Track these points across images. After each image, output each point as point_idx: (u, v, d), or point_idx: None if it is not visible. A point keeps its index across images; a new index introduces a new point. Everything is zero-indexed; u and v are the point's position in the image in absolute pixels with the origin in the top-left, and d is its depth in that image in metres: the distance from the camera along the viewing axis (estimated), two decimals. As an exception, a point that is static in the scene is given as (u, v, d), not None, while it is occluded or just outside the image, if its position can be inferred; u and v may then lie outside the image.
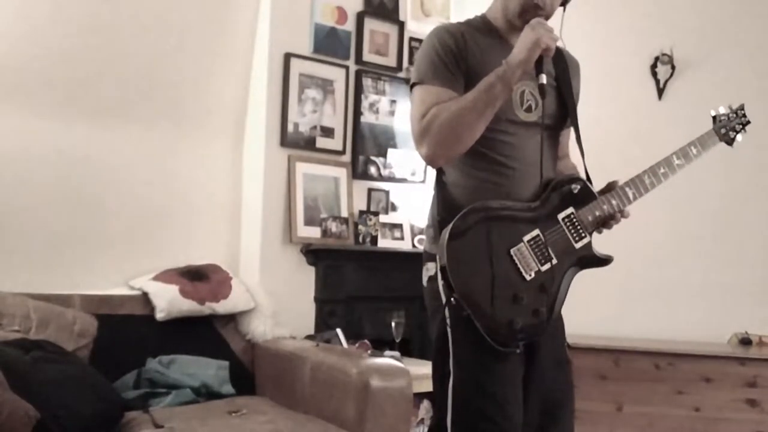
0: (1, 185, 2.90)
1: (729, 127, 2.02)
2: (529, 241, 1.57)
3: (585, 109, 4.29)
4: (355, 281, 3.55)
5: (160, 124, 3.30)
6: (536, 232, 1.58)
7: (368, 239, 3.59)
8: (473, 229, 1.53)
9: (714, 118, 2.03)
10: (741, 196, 3.96)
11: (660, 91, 4.06)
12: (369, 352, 3.10)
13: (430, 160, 1.60)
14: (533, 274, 1.55)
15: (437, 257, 1.55)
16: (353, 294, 3.55)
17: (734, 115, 2.05)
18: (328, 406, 2.63)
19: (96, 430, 2.28)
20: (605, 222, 1.71)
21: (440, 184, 1.66)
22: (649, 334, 3.93)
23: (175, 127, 3.35)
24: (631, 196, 1.71)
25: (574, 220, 1.64)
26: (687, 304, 3.92)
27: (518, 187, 1.62)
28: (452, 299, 1.49)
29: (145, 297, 3.02)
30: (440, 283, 1.55)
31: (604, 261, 1.71)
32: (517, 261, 1.54)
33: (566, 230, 1.63)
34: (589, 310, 3.97)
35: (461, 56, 1.62)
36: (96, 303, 2.89)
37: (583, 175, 1.73)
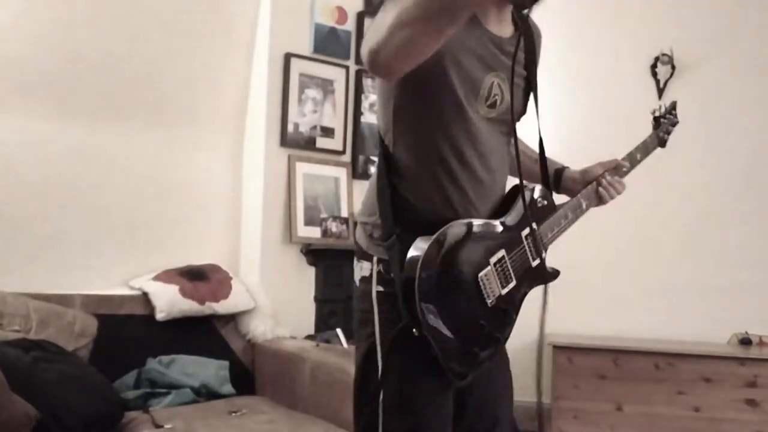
0: (1, 185, 2.90)
1: (664, 129, 1.95)
2: (495, 264, 1.43)
3: (585, 109, 4.31)
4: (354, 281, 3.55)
5: (160, 124, 3.30)
6: (502, 252, 1.45)
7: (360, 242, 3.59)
8: (445, 258, 1.36)
9: (655, 119, 1.94)
10: (741, 196, 3.97)
11: (660, 91, 4.06)
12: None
13: (371, 61, 1.24)
14: (494, 300, 1.43)
15: (375, 262, 1.44)
16: (353, 294, 3.55)
17: (670, 116, 1.96)
18: (328, 406, 2.63)
19: (96, 430, 2.28)
20: (600, 200, 1.66)
21: (389, 177, 1.44)
22: (649, 334, 3.93)
23: (175, 127, 3.35)
24: (584, 207, 1.64)
25: (535, 236, 1.51)
26: (687, 304, 3.92)
27: (482, 196, 1.46)
28: (414, 331, 1.35)
29: (145, 297, 3.02)
30: (375, 289, 1.45)
31: (553, 277, 1.57)
32: (482, 286, 1.41)
33: (527, 248, 1.50)
34: (589, 310, 3.98)
35: None
36: (96, 303, 2.89)
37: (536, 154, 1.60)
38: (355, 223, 3.52)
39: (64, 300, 2.81)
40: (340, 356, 2.75)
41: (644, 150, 1.85)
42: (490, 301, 1.42)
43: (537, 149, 1.61)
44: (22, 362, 2.25)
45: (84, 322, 2.76)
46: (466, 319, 1.39)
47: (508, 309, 1.46)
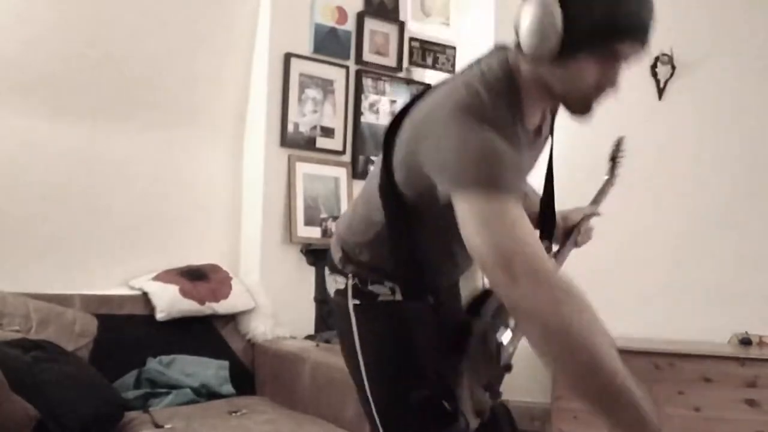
0: (1, 185, 2.90)
1: (616, 166, 1.99)
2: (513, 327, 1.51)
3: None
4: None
5: (160, 123, 3.30)
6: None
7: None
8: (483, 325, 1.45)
9: (613, 159, 1.97)
10: (741, 196, 3.96)
11: (660, 91, 4.06)
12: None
13: (519, 305, 1.12)
14: (508, 360, 1.52)
15: (350, 277, 1.47)
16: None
17: (620, 152, 2.01)
18: (328, 406, 2.63)
19: (96, 430, 2.28)
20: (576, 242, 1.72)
21: (411, 231, 1.38)
22: (649, 334, 3.93)
23: (175, 127, 3.35)
24: (568, 252, 1.72)
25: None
26: (687, 304, 3.92)
27: (458, 273, 1.56)
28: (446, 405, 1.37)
29: (145, 297, 3.02)
30: (351, 302, 1.46)
31: None
32: (501, 350, 1.50)
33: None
34: (589, 310, 3.98)
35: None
36: (96, 303, 2.89)
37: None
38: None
39: (64, 300, 2.80)
40: (340, 356, 2.75)
41: (605, 191, 1.92)
42: (504, 361, 1.46)
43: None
44: (22, 362, 2.25)
45: (84, 322, 2.76)
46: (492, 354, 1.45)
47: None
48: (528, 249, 1.12)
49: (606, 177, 1.96)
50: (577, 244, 1.74)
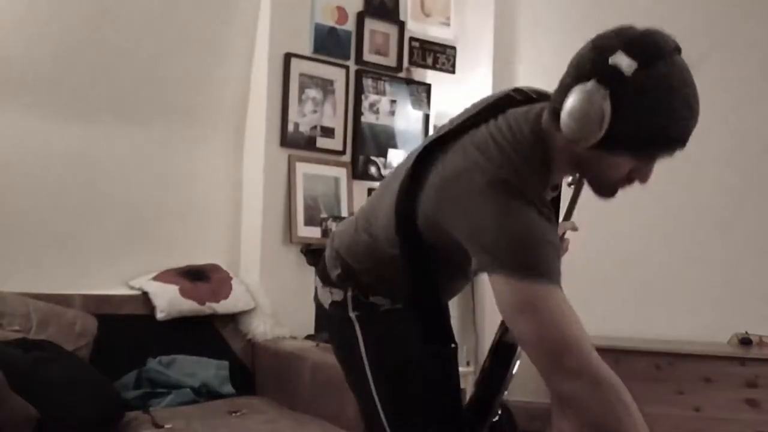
0: (1, 185, 2.90)
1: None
2: None
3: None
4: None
5: (160, 123, 3.30)
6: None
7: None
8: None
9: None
10: (742, 195, 3.96)
11: (660, 91, 4.06)
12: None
13: (571, 398, 1.16)
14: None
15: (350, 289, 1.46)
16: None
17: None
18: (328, 406, 2.63)
19: (96, 430, 2.28)
20: None
21: (427, 262, 1.36)
22: (649, 334, 3.93)
23: (175, 127, 3.35)
24: None
25: None
26: (687, 304, 3.92)
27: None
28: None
29: (145, 297, 3.02)
30: (353, 314, 1.44)
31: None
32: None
33: None
34: (589, 310, 3.97)
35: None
36: (96, 303, 2.89)
37: None
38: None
39: (64, 300, 2.81)
40: (340, 356, 2.75)
41: (575, 202, 1.84)
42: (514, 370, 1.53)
43: None
44: (22, 362, 2.25)
45: (84, 322, 2.75)
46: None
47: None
48: (580, 345, 1.14)
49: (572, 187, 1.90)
50: None
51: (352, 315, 1.44)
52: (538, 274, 1.14)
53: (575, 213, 1.78)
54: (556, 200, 1.45)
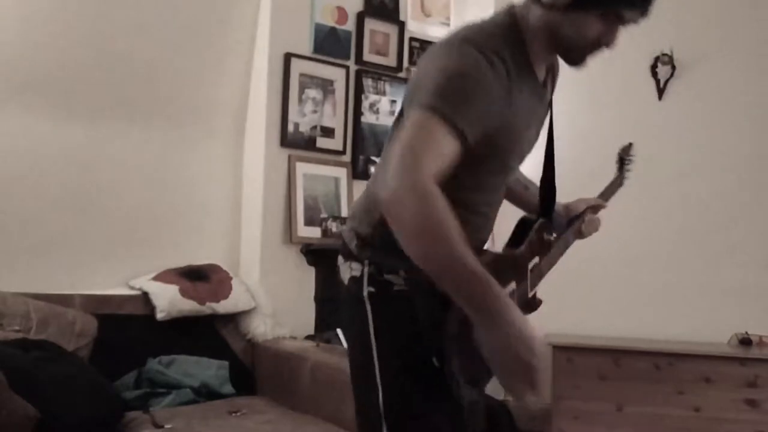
0: (1, 185, 2.90)
1: (625, 170, 2.01)
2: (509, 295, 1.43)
3: (585, 109, 4.30)
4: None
5: (160, 124, 3.30)
6: (513, 285, 1.45)
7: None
8: None
9: (621, 158, 1.99)
10: (741, 195, 3.96)
11: (660, 91, 4.06)
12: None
13: (384, 206, 1.21)
14: None
15: (367, 263, 1.44)
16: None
17: (629, 157, 2.03)
18: (328, 406, 2.63)
19: (96, 430, 2.28)
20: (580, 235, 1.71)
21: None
22: (649, 334, 3.93)
23: (176, 127, 3.35)
24: (571, 243, 1.70)
25: (536, 269, 1.54)
26: (687, 304, 3.92)
27: (483, 228, 1.49)
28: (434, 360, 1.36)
29: (145, 297, 3.02)
30: (366, 290, 1.44)
31: (537, 308, 1.58)
32: None
33: (529, 280, 1.51)
34: (589, 310, 3.98)
35: (495, 106, 1.30)
36: (96, 303, 2.89)
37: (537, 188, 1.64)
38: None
39: (64, 300, 2.81)
40: (340, 356, 2.75)
41: (613, 190, 1.92)
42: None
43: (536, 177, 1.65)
44: (22, 362, 2.25)
45: (84, 322, 2.75)
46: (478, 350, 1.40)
47: None
48: (422, 163, 1.18)
49: (616, 174, 1.97)
50: (582, 235, 1.73)
51: (366, 292, 1.45)
52: (442, 113, 1.22)
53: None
54: (551, 83, 1.54)
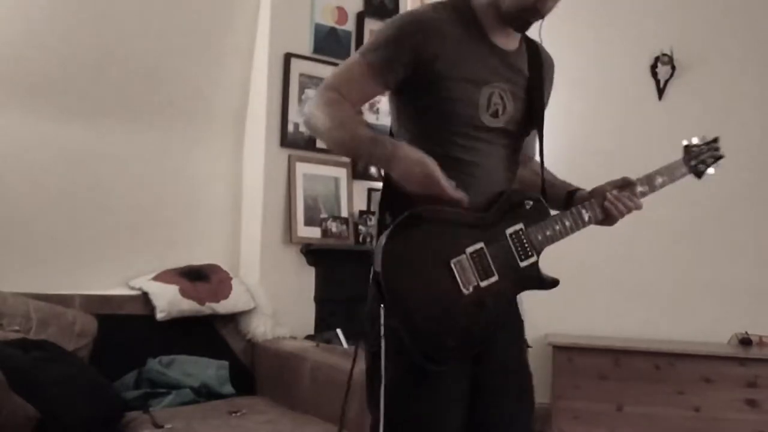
0: (1, 185, 2.90)
1: (699, 159, 1.88)
2: (471, 254, 1.46)
3: (585, 109, 4.30)
4: (355, 281, 3.53)
5: (160, 124, 3.30)
6: (480, 244, 1.47)
7: (368, 239, 3.59)
8: (414, 234, 1.42)
9: (686, 147, 1.87)
10: (742, 196, 3.97)
11: (660, 91, 4.06)
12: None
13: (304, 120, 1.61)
14: (471, 289, 1.44)
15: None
16: (353, 294, 3.53)
17: (706, 147, 1.91)
18: (328, 406, 2.63)
19: (96, 430, 2.28)
20: (608, 215, 1.63)
21: (388, 176, 1.49)
22: (649, 334, 3.93)
23: (176, 127, 3.35)
24: (586, 218, 1.62)
25: (522, 237, 1.53)
26: (687, 304, 3.93)
27: (473, 195, 1.48)
28: (382, 307, 1.42)
29: (145, 297, 3.02)
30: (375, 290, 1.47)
31: (549, 284, 1.57)
32: (456, 273, 1.44)
33: (512, 246, 1.52)
34: (589, 310, 3.98)
35: (423, 59, 1.48)
36: (96, 303, 2.89)
37: (544, 180, 1.65)
38: (356, 224, 3.52)
39: (64, 300, 2.80)
40: (340, 356, 2.75)
41: (669, 174, 1.78)
42: (467, 290, 1.44)
43: (551, 169, 1.68)
44: (22, 362, 2.25)
45: (84, 322, 2.75)
46: (433, 303, 1.43)
47: (487, 303, 1.47)
48: (335, 82, 1.53)
49: (677, 161, 1.83)
50: (608, 213, 1.64)
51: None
52: (360, 53, 1.55)
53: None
54: (530, 60, 1.65)
